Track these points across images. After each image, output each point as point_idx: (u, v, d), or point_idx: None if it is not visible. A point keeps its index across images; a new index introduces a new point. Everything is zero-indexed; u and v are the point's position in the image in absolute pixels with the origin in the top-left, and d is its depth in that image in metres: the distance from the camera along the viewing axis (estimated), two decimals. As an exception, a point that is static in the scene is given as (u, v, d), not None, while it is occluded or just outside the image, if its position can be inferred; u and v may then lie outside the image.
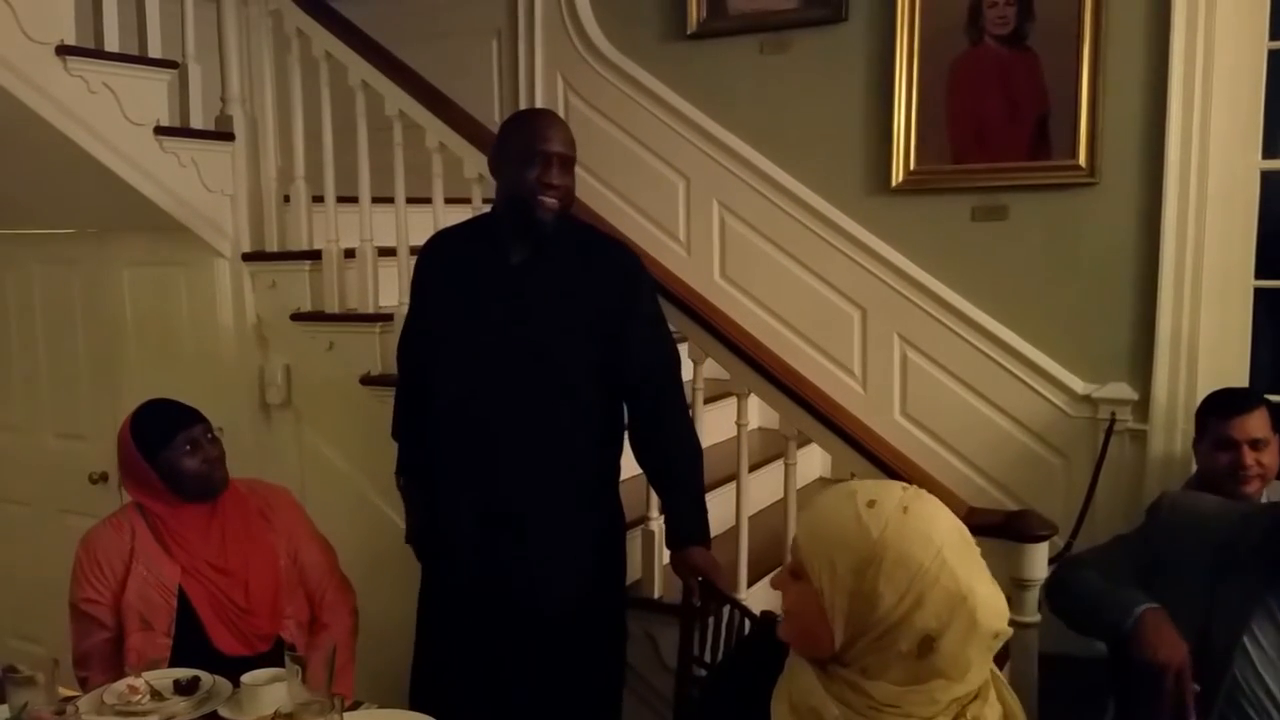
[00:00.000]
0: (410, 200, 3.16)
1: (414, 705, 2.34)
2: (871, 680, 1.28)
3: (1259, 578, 1.97)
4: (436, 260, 2.53)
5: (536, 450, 2.37)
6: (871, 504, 1.28)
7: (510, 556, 2.39)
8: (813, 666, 1.33)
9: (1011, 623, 2.56)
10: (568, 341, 2.36)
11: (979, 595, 1.26)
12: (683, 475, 2.45)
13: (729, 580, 2.15)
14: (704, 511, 2.46)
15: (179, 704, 2.05)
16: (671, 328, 2.56)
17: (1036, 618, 2.54)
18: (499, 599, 2.40)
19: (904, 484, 1.35)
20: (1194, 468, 2.99)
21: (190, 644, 2.29)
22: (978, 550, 1.32)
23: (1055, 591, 2.24)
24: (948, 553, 1.26)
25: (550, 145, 2.34)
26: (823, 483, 3.76)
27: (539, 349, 2.35)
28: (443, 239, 2.59)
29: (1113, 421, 3.20)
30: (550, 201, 2.33)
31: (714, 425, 3.28)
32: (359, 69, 3.20)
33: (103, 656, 2.34)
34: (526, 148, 2.34)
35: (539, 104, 4.03)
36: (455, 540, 2.44)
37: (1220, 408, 2.71)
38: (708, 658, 2.36)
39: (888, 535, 1.25)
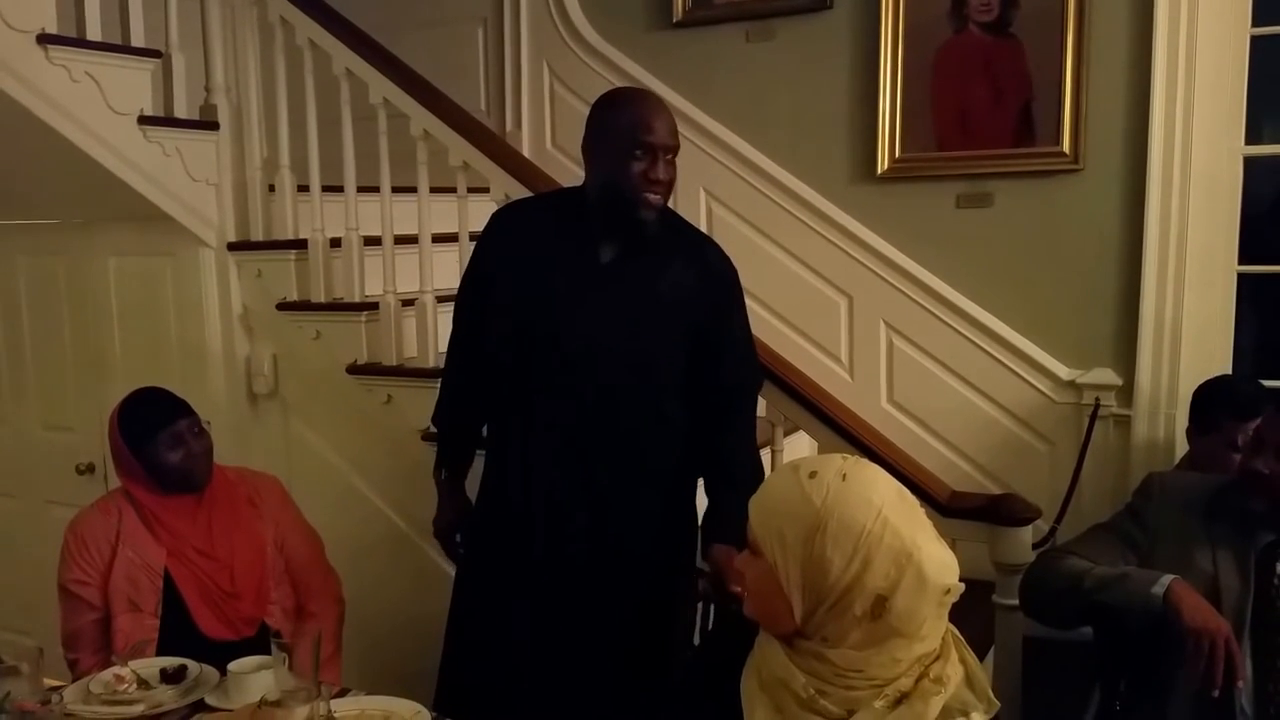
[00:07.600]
0: (396, 189, 3.15)
1: (440, 695, 2.30)
2: (833, 648, 1.32)
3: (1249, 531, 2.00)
4: (507, 238, 2.31)
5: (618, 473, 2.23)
6: (813, 475, 1.34)
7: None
8: (779, 642, 1.37)
9: (996, 606, 2.65)
10: (669, 357, 2.22)
11: (924, 551, 1.30)
12: (745, 482, 2.16)
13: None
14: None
15: (166, 693, 2.04)
16: None
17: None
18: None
19: (844, 455, 1.41)
20: (1179, 453, 3.02)
21: (175, 628, 2.31)
22: (920, 510, 1.37)
23: (1035, 584, 2.15)
24: (889, 512, 1.30)
25: (658, 136, 2.13)
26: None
27: (633, 363, 2.19)
28: (515, 215, 2.38)
29: (1097, 407, 3.22)
30: (654, 198, 2.15)
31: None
32: (343, 57, 3.18)
33: (91, 637, 2.36)
34: (629, 136, 2.12)
35: (525, 93, 4.03)
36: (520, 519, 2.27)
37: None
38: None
39: (829, 502, 1.31)
